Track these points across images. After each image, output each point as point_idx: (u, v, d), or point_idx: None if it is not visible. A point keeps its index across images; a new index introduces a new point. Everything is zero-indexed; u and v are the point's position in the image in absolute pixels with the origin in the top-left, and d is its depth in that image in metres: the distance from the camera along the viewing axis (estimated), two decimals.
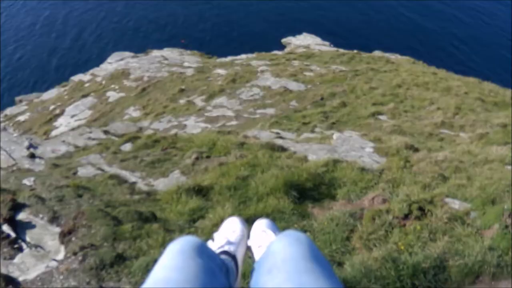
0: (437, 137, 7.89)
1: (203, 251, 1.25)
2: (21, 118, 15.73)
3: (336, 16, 41.92)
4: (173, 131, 9.36)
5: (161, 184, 4.94)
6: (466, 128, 8.52)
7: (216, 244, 1.86)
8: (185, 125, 10.31)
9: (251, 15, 41.35)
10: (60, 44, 37.35)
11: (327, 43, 25.88)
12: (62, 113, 14.84)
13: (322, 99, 12.16)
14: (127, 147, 6.39)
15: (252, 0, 44.11)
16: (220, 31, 39.00)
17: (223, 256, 1.60)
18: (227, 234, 1.85)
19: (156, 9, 42.22)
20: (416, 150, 6.52)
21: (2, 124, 12.66)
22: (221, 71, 16.12)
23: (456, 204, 4.06)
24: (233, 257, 1.73)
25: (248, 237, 1.90)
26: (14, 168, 5.27)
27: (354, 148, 7.01)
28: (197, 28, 39.14)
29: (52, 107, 15.90)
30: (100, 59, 33.87)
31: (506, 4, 47.15)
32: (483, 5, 46.36)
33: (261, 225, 1.85)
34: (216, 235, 1.89)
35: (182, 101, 13.18)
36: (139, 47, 34.70)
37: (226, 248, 1.76)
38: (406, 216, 3.81)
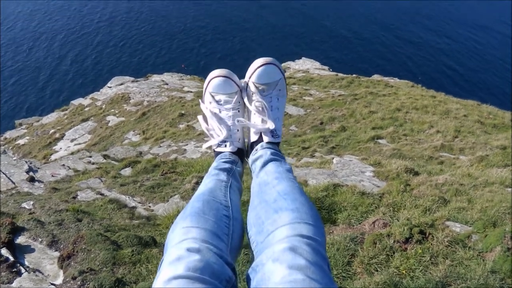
0: (437, 160, 7.90)
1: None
2: (21, 141, 15.78)
3: (335, 41, 42.53)
4: (172, 156, 9.37)
5: (161, 209, 4.92)
6: (466, 151, 8.54)
7: (213, 141, 1.92)
8: (185, 150, 10.32)
9: (249, 40, 41.95)
10: (56, 68, 37.86)
11: (326, 67, 26.10)
12: (62, 137, 14.89)
13: (321, 123, 12.21)
14: (127, 171, 6.39)
15: (248, 25, 44.91)
16: (217, 56, 39.53)
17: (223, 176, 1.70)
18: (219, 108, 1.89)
19: (151, 34, 42.89)
20: (416, 173, 6.51)
21: (2, 147, 12.70)
22: None
23: (457, 227, 4.04)
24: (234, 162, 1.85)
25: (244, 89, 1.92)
26: (13, 191, 5.26)
27: (354, 172, 7.00)
28: (194, 53, 39.70)
29: (52, 130, 15.97)
30: (95, 83, 34.42)
31: (501, 30, 47.87)
32: (478, 32, 47.15)
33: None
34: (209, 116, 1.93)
35: (182, 126, 13.24)
36: (134, 71, 35.22)
37: (227, 150, 1.87)
38: (407, 240, 3.78)
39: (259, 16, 46.81)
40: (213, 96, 1.89)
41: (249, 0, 50.19)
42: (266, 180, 1.58)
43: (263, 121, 1.84)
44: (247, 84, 1.89)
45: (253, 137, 1.87)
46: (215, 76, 1.87)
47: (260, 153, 1.77)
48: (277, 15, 46.97)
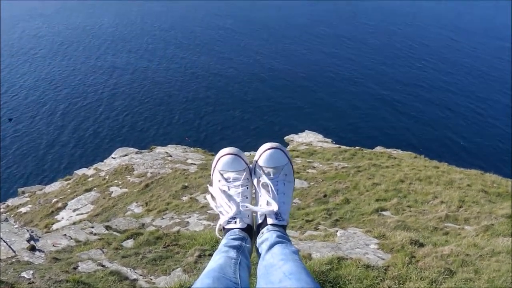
0: (442, 231, 7.81)
1: None
2: (23, 209, 15.73)
3: (337, 114, 43.31)
4: (175, 228, 9.31)
5: (162, 282, 4.85)
6: (470, 221, 8.46)
7: (222, 218, 1.96)
8: (187, 222, 10.26)
9: (249, 113, 42.87)
10: (58, 137, 38.56)
11: (329, 140, 26.41)
12: (64, 206, 14.87)
13: (325, 196, 12.18)
14: (129, 243, 6.34)
15: (249, 98, 46.05)
16: (219, 128, 40.26)
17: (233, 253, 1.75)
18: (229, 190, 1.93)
19: (154, 105, 43.96)
20: (421, 245, 6.42)
21: (4, 215, 12.65)
22: None
23: None
24: (245, 237, 1.90)
25: (253, 171, 1.98)
26: (14, 260, 5.22)
27: (359, 245, 6.91)
28: (195, 124, 40.47)
29: (54, 200, 15.97)
30: (96, 153, 35.00)
31: (501, 100, 48.72)
32: (477, 103, 48.04)
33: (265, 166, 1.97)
34: (218, 198, 1.96)
35: (185, 198, 13.24)
36: (137, 142, 35.88)
37: (237, 225, 1.90)
38: None
39: (259, 89, 48.15)
40: (222, 174, 1.98)
41: (248, 74, 51.81)
42: (272, 262, 1.63)
43: (268, 203, 1.91)
44: (255, 166, 1.98)
45: (259, 219, 1.93)
46: (224, 154, 1.98)
47: (266, 236, 1.82)
48: (277, 89, 48.30)
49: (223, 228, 1.97)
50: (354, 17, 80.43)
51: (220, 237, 1.94)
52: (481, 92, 50.68)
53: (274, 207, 1.87)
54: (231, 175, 1.96)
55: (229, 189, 1.95)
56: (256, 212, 1.96)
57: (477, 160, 34.01)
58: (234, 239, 1.85)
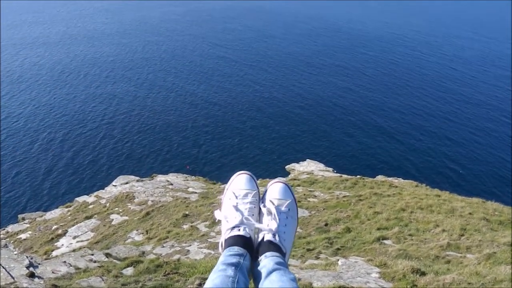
0: (443, 259, 7.77)
1: None
2: (23, 236, 15.63)
3: (338, 143, 43.46)
4: (176, 257, 9.28)
5: None
6: (472, 249, 8.41)
7: (227, 226, 1.97)
8: (188, 251, 10.22)
9: (248, 142, 43.05)
10: (56, 163, 38.62)
11: (330, 169, 26.39)
12: (64, 233, 14.79)
13: (326, 225, 12.14)
14: (129, 271, 6.31)
15: (246, 126, 46.32)
16: (218, 155, 40.39)
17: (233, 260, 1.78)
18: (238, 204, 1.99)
19: (154, 133, 44.16)
20: (423, 273, 6.39)
21: (3, 241, 12.57)
22: None
23: None
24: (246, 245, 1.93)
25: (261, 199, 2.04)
26: (12, 286, 5.19)
27: (360, 274, 6.88)
28: (192, 153, 40.63)
29: (54, 226, 15.90)
30: (95, 180, 35.11)
31: (501, 130, 48.95)
32: (477, 132, 48.30)
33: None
34: (226, 204, 2.00)
35: (185, 226, 13.20)
36: (136, 169, 36.04)
37: (240, 233, 1.92)
38: None
39: (258, 118, 48.52)
40: (234, 193, 2.08)
41: (247, 103, 52.24)
42: None
43: (268, 223, 1.98)
44: (262, 197, 2.08)
45: (258, 238, 1.98)
46: (241, 173, 2.12)
47: (264, 262, 1.85)
48: (276, 118, 48.65)
49: (225, 240, 1.99)
50: (353, 48, 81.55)
51: (222, 248, 1.97)
52: (480, 121, 50.95)
53: (273, 225, 1.93)
54: (242, 192, 2.05)
55: (237, 204, 2.03)
56: (257, 230, 2.01)
57: (476, 189, 34.00)
58: (232, 255, 1.86)
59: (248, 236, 1.95)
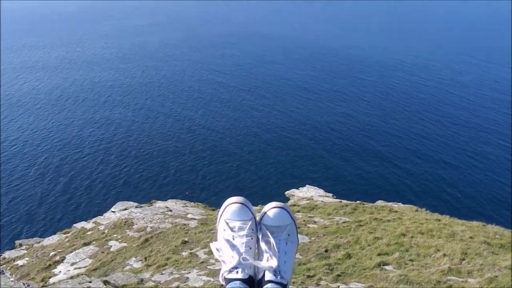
0: (445, 284, 7.70)
1: None
2: (20, 262, 15.43)
3: (336, 169, 43.46)
4: (175, 284, 9.18)
5: None
6: (474, 273, 8.34)
7: (224, 267, 1.92)
8: (187, 278, 10.09)
9: (245, 168, 43.13)
10: (53, 189, 38.56)
11: (330, 194, 26.34)
12: (62, 260, 14.63)
13: (326, 251, 12.06)
14: None
15: (243, 152, 46.39)
16: (215, 182, 40.39)
17: None
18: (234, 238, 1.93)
19: (149, 160, 44.19)
20: None
21: (0, 268, 12.43)
22: None
23: None
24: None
25: (258, 222, 1.98)
26: None
27: None
28: (190, 179, 40.60)
29: (52, 253, 15.72)
30: (92, 206, 35.03)
31: (499, 154, 49.04)
32: (476, 156, 48.41)
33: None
34: (221, 245, 1.95)
35: (185, 253, 13.09)
36: (133, 194, 36.00)
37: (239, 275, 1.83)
38: None
39: (256, 144, 48.68)
40: (227, 223, 2.00)
41: (245, 128, 52.45)
42: None
43: (268, 259, 1.92)
44: (260, 222, 2.03)
45: (259, 275, 1.94)
46: (232, 203, 2.02)
47: None
48: (274, 143, 48.79)
49: (225, 278, 1.96)
50: (351, 73, 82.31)
51: (211, 279, 1.95)
52: (477, 144, 51.10)
53: (273, 263, 1.88)
54: (237, 224, 1.98)
55: (233, 239, 1.96)
56: (256, 267, 1.96)
57: (474, 212, 33.92)
58: None
59: (247, 277, 1.91)
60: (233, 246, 1.94)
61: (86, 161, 43.54)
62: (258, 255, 1.99)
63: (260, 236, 1.99)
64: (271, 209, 2.01)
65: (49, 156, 44.41)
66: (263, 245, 1.95)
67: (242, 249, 1.93)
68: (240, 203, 2.01)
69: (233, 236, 1.97)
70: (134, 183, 39.67)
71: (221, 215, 2.05)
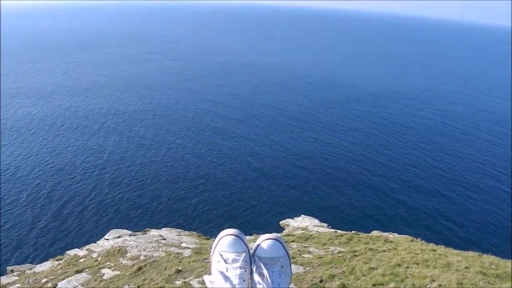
0: None
1: None
2: None
3: (332, 199, 43.38)
4: None
5: None
6: None
7: None
8: None
9: (238, 197, 43.09)
10: (44, 215, 38.50)
11: (325, 224, 26.26)
12: (54, 287, 14.37)
13: (321, 281, 11.93)
14: None
15: (237, 182, 46.36)
16: (207, 208, 40.22)
17: None
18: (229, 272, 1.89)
19: (141, 187, 44.08)
20: None
21: None
22: None
23: None
24: None
25: (252, 254, 1.93)
26: None
27: None
28: (183, 207, 40.49)
29: (44, 280, 15.42)
30: (84, 233, 34.77)
31: (489, 176, 49.27)
32: (472, 188, 48.53)
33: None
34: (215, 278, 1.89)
35: (178, 282, 12.90)
36: (125, 222, 35.83)
37: None
38: None
39: (250, 174, 48.71)
40: (221, 255, 2.01)
41: (240, 158, 52.56)
42: None
43: None
44: (254, 254, 2.01)
45: None
46: (226, 235, 2.02)
47: None
48: (268, 174, 48.83)
49: None
50: (345, 103, 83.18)
51: None
52: (471, 174, 51.37)
53: None
54: (231, 256, 1.98)
55: (227, 270, 1.95)
56: None
57: (470, 243, 33.88)
58: None
59: None
60: (226, 278, 1.93)
61: (78, 188, 43.37)
62: (252, 287, 1.98)
63: (254, 268, 1.98)
64: (264, 240, 2.01)
65: (41, 182, 44.23)
66: (256, 277, 1.94)
67: (235, 281, 1.92)
68: (234, 235, 2.01)
69: (226, 268, 1.96)
70: (127, 210, 39.44)
71: (215, 247, 2.04)
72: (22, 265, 21.18)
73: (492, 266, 12.01)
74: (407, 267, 12.13)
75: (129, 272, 14.81)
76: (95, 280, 14.62)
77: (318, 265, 13.74)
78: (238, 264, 1.94)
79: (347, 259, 14.08)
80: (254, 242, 2.07)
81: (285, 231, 25.04)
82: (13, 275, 17.64)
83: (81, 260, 17.70)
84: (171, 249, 17.35)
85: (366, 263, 13.23)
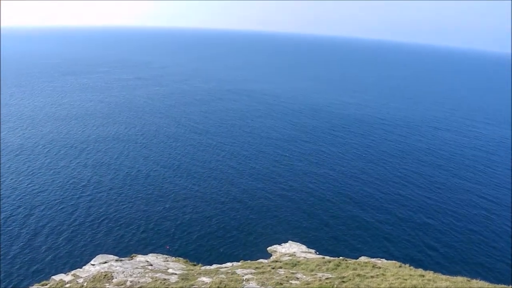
0: None
1: None
2: None
3: (319, 225, 43.20)
4: None
5: None
6: None
7: None
8: None
9: (224, 222, 43.02)
10: (30, 239, 38.24)
11: (312, 250, 26.02)
12: None
13: None
14: None
15: (224, 206, 46.20)
16: (194, 237, 40.10)
17: None
18: None
19: (129, 213, 43.86)
20: None
21: None
22: (205, 279, 15.82)
23: None
24: None
25: None
26: None
27: None
28: (169, 232, 40.30)
29: None
30: (67, 259, 34.48)
31: (475, 205, 49.48)
32: (454, 208, 48.79)
33: None
34: None
35: None
36: (109, 249, 35.40)
37: None
38: None
39: (237, 199, 48.56)
40: None
41: (227, 183, 52.49)
42: None
43: None
44: None
45: None
46: None
47: None
48: (256, 199, 48.78)
49: None
50: (332, 130, 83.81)
51: None
52: (459, 204, 51.66)
53: None
54: None
55: None
56: None
57: (459, 268, 33.78)
58: None
59: None
60: None
61: (64, 212, 43.00)
62: None
63: None
64: None
65: (27, 207, 43.94)
66: None
67: None
68: None
69: None
70: (113, 235, 39.00)
71: None
72: None
73: None
74: None
75: None
76: None
77: None
78: None
79: (335, 285, 13.95)
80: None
81: (273, 257, 24.79)
82: None
83: (67, 286, 17.34)
84: (157, 275, 17.07)
85: None
